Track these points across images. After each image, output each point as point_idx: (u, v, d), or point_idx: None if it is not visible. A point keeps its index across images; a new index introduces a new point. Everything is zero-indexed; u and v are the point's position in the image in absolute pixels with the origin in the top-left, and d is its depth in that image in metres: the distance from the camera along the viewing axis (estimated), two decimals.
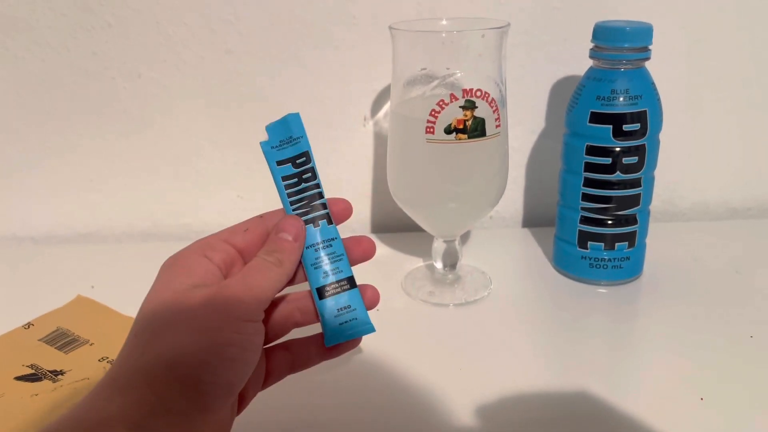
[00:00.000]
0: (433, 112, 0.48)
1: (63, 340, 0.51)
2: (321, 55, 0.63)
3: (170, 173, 0.68)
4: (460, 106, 0.48)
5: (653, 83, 0.53)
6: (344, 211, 0.38)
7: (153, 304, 0.33)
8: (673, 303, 0.54)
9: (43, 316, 0.54)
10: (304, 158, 0.37)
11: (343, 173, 0.68)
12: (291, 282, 0.37)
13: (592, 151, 0.53)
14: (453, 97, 0.47)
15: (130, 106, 0.65)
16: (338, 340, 0.37)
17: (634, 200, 0.54)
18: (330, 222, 0.37)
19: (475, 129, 0.49)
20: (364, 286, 0.38)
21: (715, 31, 0.65)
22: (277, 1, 0.61)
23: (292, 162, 0.37)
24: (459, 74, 0.49)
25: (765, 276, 0.58)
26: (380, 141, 0.67)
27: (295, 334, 0.38)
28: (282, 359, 0.38)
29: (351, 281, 0.37)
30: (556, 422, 0.42)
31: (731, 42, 0.66)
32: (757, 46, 0.66)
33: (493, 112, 0.49)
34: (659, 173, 0.56)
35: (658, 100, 0.53)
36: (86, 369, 0.47)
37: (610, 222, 0.55)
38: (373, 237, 0.67)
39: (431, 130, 0.48)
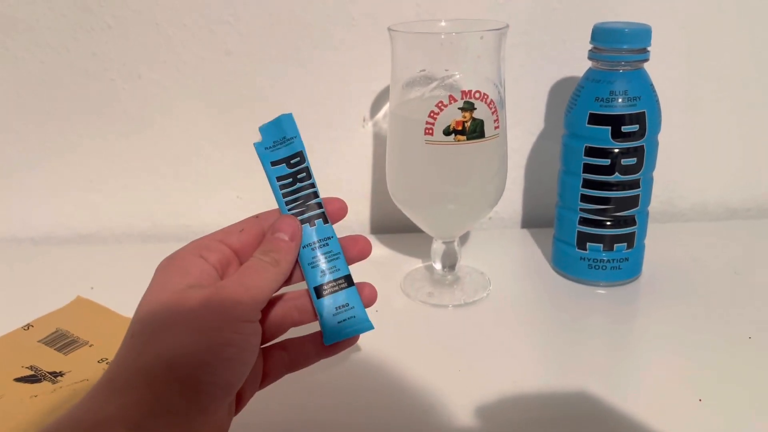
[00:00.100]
0: (432, 114, 0.48)
1: (62, 342, 0.51)
2: (320, 55, 0.63)
3: (170, 174, 0.68)
4: (459, 108, 0.48)
5: (652, 84, 0.53)
6: (339, 210, 0.38)
7: (150, 305, 0.33)
8: (672, 304, 0.54)
9: (42, 317, 0.54)
10: (299, 158, 0.38)
11: (343, 174, 0.68)
12: (287, 282, 0.37)
13: (590, 152, 0.53)
14: (452, 98, 0.47)
15: (130, 107, 0.65)
16: (337, 338, 0.37)
17: (633, 201, 0.54)
18: (326, 221, 0.37)
19: (474, 130, 0.49)
20: (362, 284, 0.38)
21: (714, 32, 0.65)
22: (276, 2, 0.61)
23: (287, 162, 0.38)
24: (458, 76, 0.49)
25: (764, 276, 0.58)
26: (379, 142, 0.67)
27: (293, 333, 0.38)
28: (279, 359, 0.38)
29: (348, 279, 0.37)
30: (556, 423, 0.42)
31: (730, 43, 0.66)
32: (756, 47, 0.66)
33: (492, 113, 0.49)
34: (658, 174, 0.56)
35: (657, 101, 0.53)
36: (86, 370, 0.47)
37: (608, 223, 0.55)
38: (372, 238, 0.67)
39: (430, 131, 0.48)
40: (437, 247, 0.56)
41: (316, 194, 0.38)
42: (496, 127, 0.50)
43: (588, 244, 0.56)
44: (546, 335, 0.51)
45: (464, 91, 0.48)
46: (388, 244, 0.66)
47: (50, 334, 0.52)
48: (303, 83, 0.64)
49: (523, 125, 0.67)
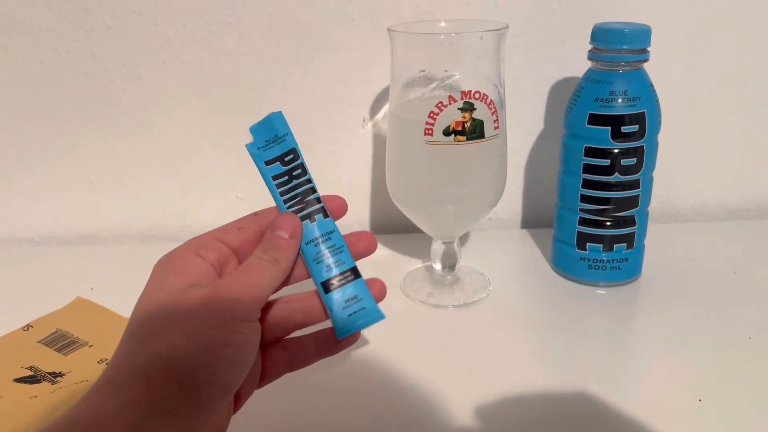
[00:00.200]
0: (431, 114, 0.48)
1: (62, 342, 0.51)
2: (320, 56, 0.63)
3: (170, 174, 0.68)
4: (458, 108, 0.48)
5: (651, 85, 0.53)
6: (339, 208, 0.38)
7: (147, 304, 0.33)
8: (671, 304, 0.54)
9: (42, 317, 0.54)
10: (292, 155, 0.37)
11: (343, 174, 0.68)
12: (287, 281, 0.36)
13: (590, 152, 0.53)
14: (451, 99, 0.47)
15: (130, 108, 0.65)
16: (350, 331, 0.36)
17: (633, 202, 0.54)
18: (326, 215, 0.37)
19: (474, 131, 0.49)
20: (371, 280, 0.37)
21: (714, 32, 0.65)
22: (276, 2, 0.61)
23: (281, 160, 0.37)
24: (457, 76, 0.49)
25: (763, 277, 0.58)
26: (379, 142, 0.67)
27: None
28: (279, 358, 0.37)
29: (355, 271, 0.37)
30: (555, 423, 0.42)
31: (729, 43, 0.66)
32: (755, 47, 0.66)
33: (492, 113, 0.49)
34: (658, 174, 0.56)
35: (657, 101, 0.53)
36: (85, 371, 0.47)
37: (608, 223, 0.55)
38: None
39: (430, 131, 0.48)
40: (437, 247, 0.56)
41: (313, 189, 0.37)
42: (495, 128, 0.50)
43: (588, 244, 0.56)
44: (546, 335, 0.51)
45: (464, 92, 0.48)
46: (387, 245, 0.66)
47: (50, 335, 0.52)
48: (303, 84, 0.64)
49: (523, 125, 0.67)
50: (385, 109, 0.65)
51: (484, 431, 0.41)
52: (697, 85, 0.67)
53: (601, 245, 0.56)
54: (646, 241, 0.58)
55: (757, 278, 0.58)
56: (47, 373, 0.47)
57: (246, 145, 0.37)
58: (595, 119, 0.52)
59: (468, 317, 0.54)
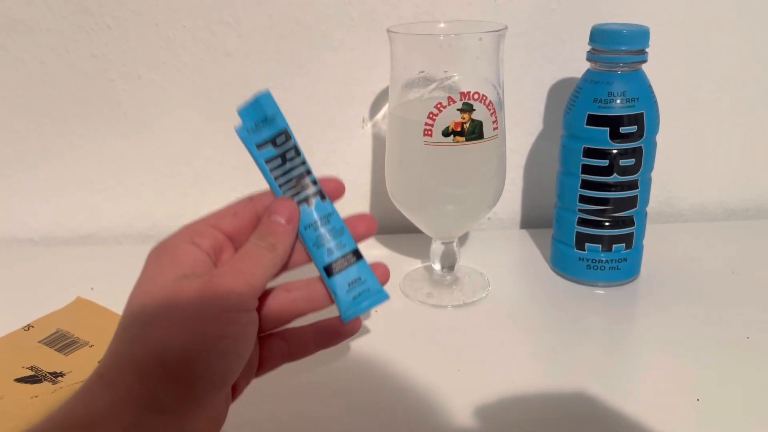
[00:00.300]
0: (430, 115, 0.48)
1: (63, 342, 0.51)
2: (320, 56, 0.63)
3: (170, 174, 0.68)
4: (457, 109, 0.48)
5: (650, 85, 0.53)
6: (336, 190, 0.37)
7: (141, 296, 0.31)
8: (670, 304, 0.54)
9: (42, 317, 0.54)
10: (284, 137, 0.36)
11: (342, 174, 0.66)
12: (285, 267, 0.36)
13: (589, 153, 0.53)
14: (451, 99, 0.48)
15: (130, 108, 0.65)
16: (355, 314, 0.36)
17: (632, 202, 0.54)
18: (323, 198, 0.36)
19: (473, 132, 0.49)
20: (375, 264, 0.37)
21: (713, 32, 0.65)
22: (276, 3, 0.61)
23: (272, 142, 0.36)
24: (457, 77, 0.49)
25: (762, 277, 0.58)
26: (379, 143, 0.67)
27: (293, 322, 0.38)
28: (277, 348, 0.37)
29: (357, 253, 0.36)
30: (554, 423, 0.42)
31: (729, 43, 0.66)
32: (755, 47, 0.66)
33: (491, 114, 0.49)
34: (657, 175, 0.56)
35: (655, 102, 0.53)
36: (86, 371, 0.47)
37: (607, 224, 0.55)
38: (371, 238, 0.67)
39: (429, 132, 0.49)
40: (436, 247, 0.56)
41: (308, 171, 0.36)
42: (494, 128, 0.50)
43: (587, 244, 0.56)
44: (545, 335, 0.51)
45: (463, 93, 0.48)
46: (387, 245, 0.66)
47: (50, 335, 0.52)
48: (302, 84, 0.64)
49: (522, 126, 0.67)
50: (385, 109, 0.65)
51: (483, 431, 0.41)
52: (696, 85, 0.67)
53: (600, 245, 0.56)
54: (646, 241, 0.58)
55: (756, 278, 0.58)
56: (48, 373, 0.47)
57: (235, 129, 0.36)
58: (594, 120, 0.52)
59: (467, 317, 0.54)
